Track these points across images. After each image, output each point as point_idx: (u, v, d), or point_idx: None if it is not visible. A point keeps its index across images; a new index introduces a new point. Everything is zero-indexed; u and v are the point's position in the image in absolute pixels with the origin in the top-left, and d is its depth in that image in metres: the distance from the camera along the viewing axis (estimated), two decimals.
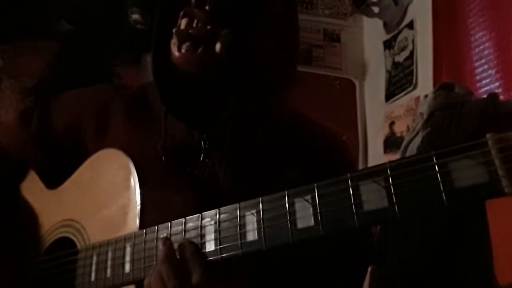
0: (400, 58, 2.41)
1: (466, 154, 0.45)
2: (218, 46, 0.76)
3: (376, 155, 2.51)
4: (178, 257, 0.63)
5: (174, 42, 0.77)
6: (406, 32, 2.39)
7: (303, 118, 0.93)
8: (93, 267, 0.72)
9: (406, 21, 2.39)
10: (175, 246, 0.64)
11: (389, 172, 0.49)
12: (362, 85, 2.73)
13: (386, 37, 2.54)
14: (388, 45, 2.53)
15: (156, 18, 0.83)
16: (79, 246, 0.77)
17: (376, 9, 2.56)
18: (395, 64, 2.44)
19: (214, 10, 0.76)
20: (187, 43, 0.75)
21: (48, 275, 0.79)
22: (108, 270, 0.70)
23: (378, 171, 0.50)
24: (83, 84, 0.96)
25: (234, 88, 0.79)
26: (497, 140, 0.43)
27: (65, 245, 0.79)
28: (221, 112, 0.79)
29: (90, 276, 0.72)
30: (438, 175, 0.46)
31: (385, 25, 2.56)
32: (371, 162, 2.58)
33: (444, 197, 0.46)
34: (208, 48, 0.76)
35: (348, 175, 0.52)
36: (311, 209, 0.54)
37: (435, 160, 0.47)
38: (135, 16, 2.33)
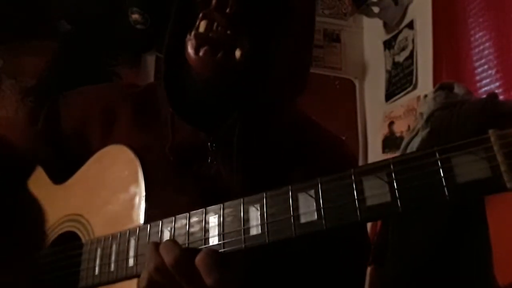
0: (400, 58, 2.41)
1: (469, 150, 0.45)
2: (238, 53, 0.75)
3: (376, 155, 2.51)
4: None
5: (192, 44, 0.75)
6: (406, 32, 2.39)
7: (310, 121, 0.93)
8: (97, 261, 0.72)
9: (406, 21, 2.39)
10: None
11: (392, 167, 0.50)
12: (362, 85, 2.74)
13: (386, 37, 2.54)
14: (388, 45, 2.53)
15: (172, 17, 0.81)
16: (83, 240, 0.76)
17: (376, 9, 2.56)
18: (395, 64, 2.44)
19: (235, 14, 0.74)
20: (205, 47, 0.74)
21: (53, 268, 0.79)
22: (112, 264, 0.70)
23: (381, 167, 0.50)
24: (83, 84, 0.96)
25: (244, 92, 0.78)
26: (499, 136, 0.44)
27: (71, 239, 0.79)
28: (229, 115, 0.78)
29: (94, 270, 0.72)
30: (441, 170, 0.46)
31: (385, 25, 2.55)
32: (371, 162, 2.58)
33: (446, 192, 0.46)
34: (228, 54, 0.74)
35: (352, 170, 0.52)
36: (314, 203, 0.54)
37: (437, 156, 0.47)
38: (135, 16, 2.33)
